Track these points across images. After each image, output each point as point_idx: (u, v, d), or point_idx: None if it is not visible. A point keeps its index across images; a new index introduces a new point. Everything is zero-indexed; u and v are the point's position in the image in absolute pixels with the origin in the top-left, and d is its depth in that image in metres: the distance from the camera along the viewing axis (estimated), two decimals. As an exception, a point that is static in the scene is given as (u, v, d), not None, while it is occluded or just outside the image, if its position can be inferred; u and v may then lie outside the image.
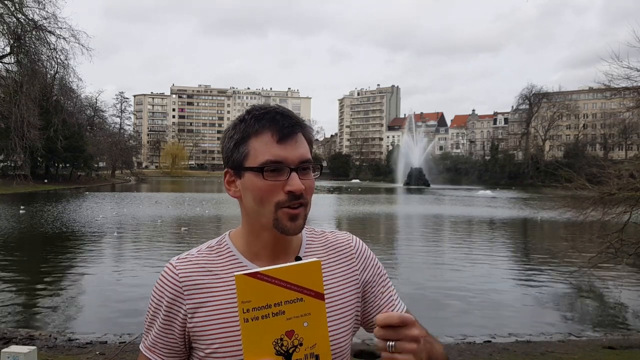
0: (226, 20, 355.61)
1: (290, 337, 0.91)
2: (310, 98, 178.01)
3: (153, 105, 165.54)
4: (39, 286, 10.57)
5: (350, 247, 1.27)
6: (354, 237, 1.31)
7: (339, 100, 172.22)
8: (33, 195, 41.77)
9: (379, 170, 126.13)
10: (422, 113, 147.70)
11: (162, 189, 60.80)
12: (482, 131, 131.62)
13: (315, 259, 0.92)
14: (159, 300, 1.16)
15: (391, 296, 1.25)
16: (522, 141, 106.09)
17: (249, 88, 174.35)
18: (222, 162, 1.22)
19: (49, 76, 41.53)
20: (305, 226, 1.18)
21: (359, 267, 1.25)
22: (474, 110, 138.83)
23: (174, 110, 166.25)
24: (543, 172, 64.76)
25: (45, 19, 36.96)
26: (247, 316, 0.89)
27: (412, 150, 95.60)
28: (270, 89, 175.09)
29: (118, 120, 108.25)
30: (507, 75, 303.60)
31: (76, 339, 6.82)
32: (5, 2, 35.36)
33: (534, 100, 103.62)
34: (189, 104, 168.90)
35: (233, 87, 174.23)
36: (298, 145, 1.12)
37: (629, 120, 74.69)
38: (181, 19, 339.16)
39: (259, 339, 0.89)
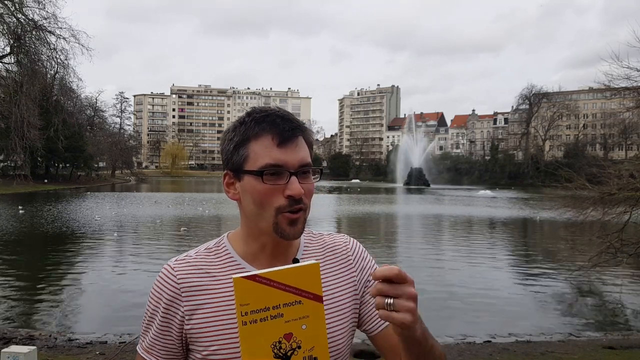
0: (226, 20, 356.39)
1: (288, 339, 0.90)
2: (310, 98, 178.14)
3: (153, 105, 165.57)
4: (39, 286, 10.55)
5: (347, 249, 1.26)
6: (352, 239, 1.30)
7: (339, 100, 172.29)
8: (33, 195, 41.77)
9: (379, 170, 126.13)
10: (422, 113, 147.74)
11: (162, 189, 60.79)
12: (482, 131, 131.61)
13: (314, 261, 0.92)
14: (156, 302, 1.16)
15: None
16: (522, 141, 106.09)
17: (249, 88, 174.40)
18: (222, 162, 1.21)
19: (49, 76, 41.52)
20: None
21: (357, 269, 1.24)
22: (474, 110, 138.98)
23: (174, 110, 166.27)
24: (543, 172, 64.81)
25: (45, 19, 37.00)
26: (245, 319, 0.88)
27: (412, 150, 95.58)
28: (270, 89, 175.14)
29: (118, 120, 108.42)
30: (507, 75, 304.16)
31: (76, 339, 6.83)
32: (5, 2, 35.35)
33: (534, 100, 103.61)
34: (189, 104, 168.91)
35: (233, 87, 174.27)
36: (298, 149, 1.11)
37: (629, 120, 74.70)
38: (181, 19, 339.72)
39: (257, 341, 0.89)
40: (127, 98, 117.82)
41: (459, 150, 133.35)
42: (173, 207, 30.52)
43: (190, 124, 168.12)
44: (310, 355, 0.92)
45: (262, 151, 1.09)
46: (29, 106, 34.16)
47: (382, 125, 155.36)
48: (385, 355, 1.21)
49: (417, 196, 52.11)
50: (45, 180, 57.59)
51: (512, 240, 20.15)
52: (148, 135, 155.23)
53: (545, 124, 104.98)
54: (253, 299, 0.88)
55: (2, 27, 35.59)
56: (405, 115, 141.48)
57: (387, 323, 1.17)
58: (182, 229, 19.33)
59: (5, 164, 54.57)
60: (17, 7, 36.20)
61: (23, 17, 36.75)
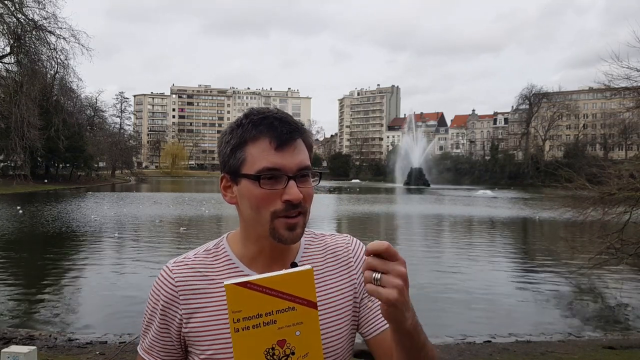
0: (226, 20, 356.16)
1: (282, 346, 0.90)
2: (310, 98, 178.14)
3: (153, 105, 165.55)
4: (39, 286, 10.54)
5: (348, 250, 1.24)
6: (354, 240, 1.28)
7: (339, 100, 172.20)
8: (33, 195, 41.76)
9: (379, 170, 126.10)
10: (422, 113, 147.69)
11: (162, 189, 60.80)
12: (482, 131, 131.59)
13: (307, 267, 0.90)
14: (155, 304, 1.15)
15: None
16: (522, 141, 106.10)
17: (249, 88, 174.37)
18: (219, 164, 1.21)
19: (49, 76, 41.54)
20: (305, 229, 1.16)
21: (357, 271, 1.22)
22: (474, 110, 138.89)
23: (174, 110, 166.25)
24: (543, 172, 64.87)
25: (45, 19, 37.04)
26: (237, 326, 0.87)
27: (412, 150, 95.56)
28: (271, 89, 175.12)
29: (118, 120, 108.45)
30: (508, 76, 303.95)
31: (76, 339, 6.83)
32: (5, 2, 35.36)
33: (534, 100, 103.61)
34: (189, 104, 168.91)
35: (233, 87, 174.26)
36: (297, 152, 1.08)
37: (629, 120, 74.72)
38: (182, 19, 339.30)
39: (250, 348, 0.88)
40: (127, 98, 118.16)
41: (459, 150, 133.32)
42: (173, 207, 30.52)
43: (190, 124, 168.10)
44: None
45: (260, 155, 1.07)
46: (29, 106, 34.17)
47: (382, 125, 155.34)
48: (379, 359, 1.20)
49: (417, 196, 52.10)
50: (45, 180, 57.57)
51: (512, 241, 20.15)
52: (148, 135, 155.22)
53: (545, 124, 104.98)
54: (245, 306, 0.87)
55: (2, 27, 35.63)
56: (405, 115, 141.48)
57: (384, 327, 1.16)
58: (182, 228, 19.35)
59: (5, 164, 54.58)
60: (17, 7, 36.22)
61: (23, 17, 36.80)
